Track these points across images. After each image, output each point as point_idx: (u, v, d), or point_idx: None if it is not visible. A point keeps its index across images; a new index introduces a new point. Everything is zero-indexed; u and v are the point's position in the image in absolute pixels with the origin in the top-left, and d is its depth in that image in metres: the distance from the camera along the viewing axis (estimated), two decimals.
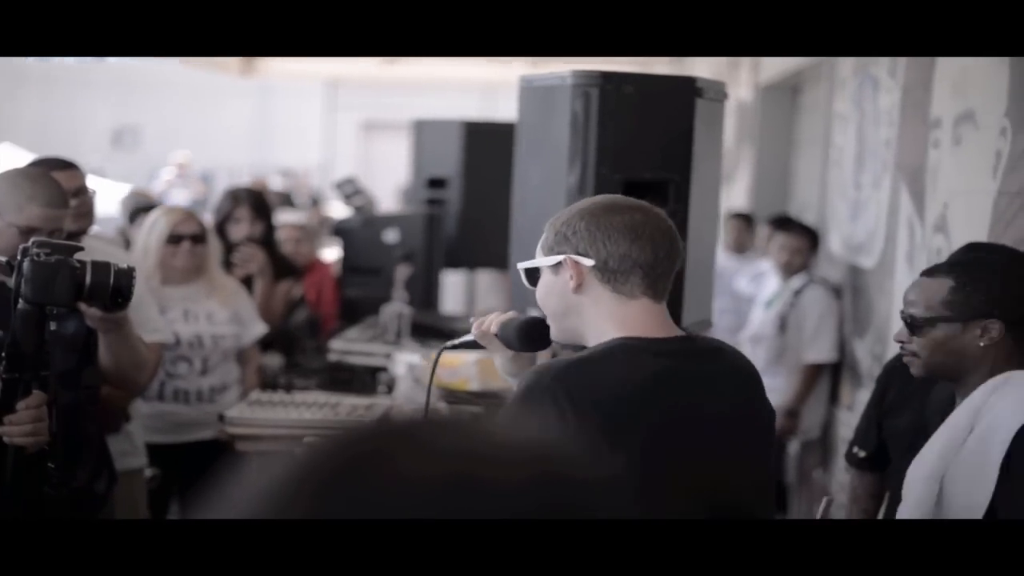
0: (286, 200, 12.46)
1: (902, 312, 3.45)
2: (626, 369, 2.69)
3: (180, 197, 18.14)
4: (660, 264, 2.79)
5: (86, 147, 25.80)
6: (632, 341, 2.73)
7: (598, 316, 2.79)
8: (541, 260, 2.85)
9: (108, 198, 11.94)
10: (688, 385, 2.73)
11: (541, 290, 2.87)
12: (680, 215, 4.10)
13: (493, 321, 3.08)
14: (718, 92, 4.39)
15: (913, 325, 3.39)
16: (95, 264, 3.32)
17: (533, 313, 3.10)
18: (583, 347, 2.87)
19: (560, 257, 2.79)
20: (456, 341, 3.25)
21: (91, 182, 5.37)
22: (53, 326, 3.26)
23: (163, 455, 5.64)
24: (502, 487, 0.95)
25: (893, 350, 5.02)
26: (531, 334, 3.02)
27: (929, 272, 3.46)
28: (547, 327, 2.94)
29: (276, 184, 18.39)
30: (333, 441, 1.02)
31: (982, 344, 3.30)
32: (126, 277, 3.37)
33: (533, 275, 2.91)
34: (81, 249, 3.40)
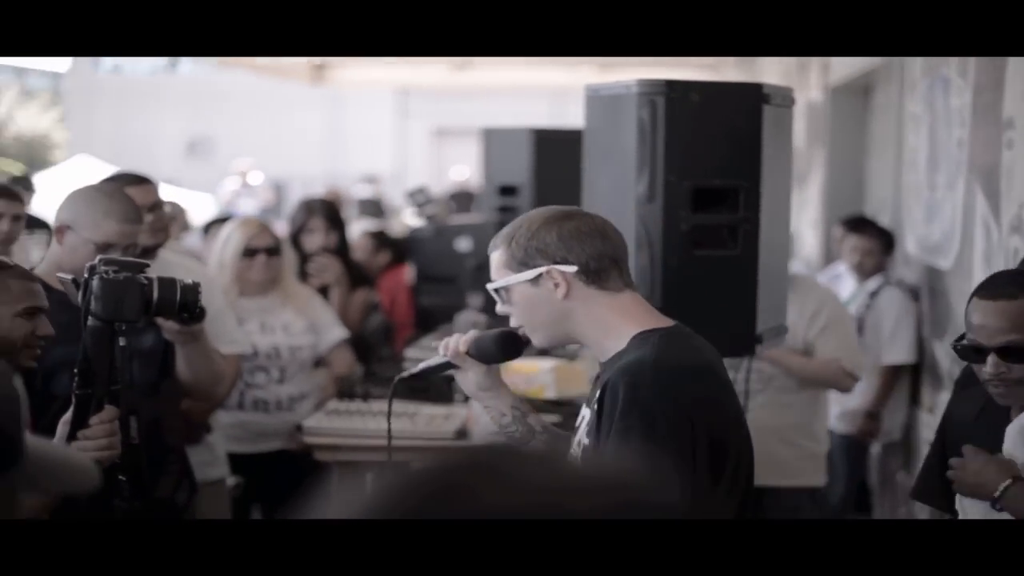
0: (374, 208, 12.43)
1: (981, 342, 3.29)
2: (694, 357, 2.94)
3: (248, 207, 18.15)
4: (624, 256, 3.04)
5: (160, 157, 26.08)
6: (666, 331, 2.95)
7: (597, 315, 2.96)
8: (516, 277, 2.97)
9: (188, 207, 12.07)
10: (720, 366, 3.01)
11: (522, 304, 2.99)
12: (751, 222, 4.09)
13: (461, 342, 3.17)
14: (785, 98, 4.38)
15: (1019, 352, 3.23)
16: (162, 280, 3.37)
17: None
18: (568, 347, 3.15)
19: (541, 269, 2.94)
20: (419, 368, 3.34)
21: (166, 194, 5.44)
22: (123, 342, 3.30)
23: (244, 464, 5.70)
24: (586, 517, 0.96)
25: None
26: (507, 344, 3.15)
27: (1003, 295, 3.29)
28: (519, 336, 3.10)
29: (362, 192, 18.33)
30: (418, 474, 1.03)
31: None
32: (192, 292, 3.42)
33: (501, 293, 3.03)
34: (147, 266, 3.45)
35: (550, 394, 5.56)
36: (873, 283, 7.60)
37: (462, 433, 5.38)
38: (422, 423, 5.45)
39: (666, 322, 2.99)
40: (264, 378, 5.81)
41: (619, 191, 4.25)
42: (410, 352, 6.49)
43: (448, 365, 3.22)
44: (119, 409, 3.29)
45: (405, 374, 3.35)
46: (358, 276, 7.11)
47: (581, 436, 3.01)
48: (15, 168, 15.29)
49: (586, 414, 3.05)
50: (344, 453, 5.56)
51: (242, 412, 5.77)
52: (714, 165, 4.13)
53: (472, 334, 3.20)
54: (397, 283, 8.26)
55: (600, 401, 2.86)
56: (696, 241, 4.06)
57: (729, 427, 2.89)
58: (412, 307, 8.08)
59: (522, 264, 2.95)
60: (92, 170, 17.09)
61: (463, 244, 7.57)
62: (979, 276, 5.78)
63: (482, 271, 7.36)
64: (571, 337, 3.03)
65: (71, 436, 3.23)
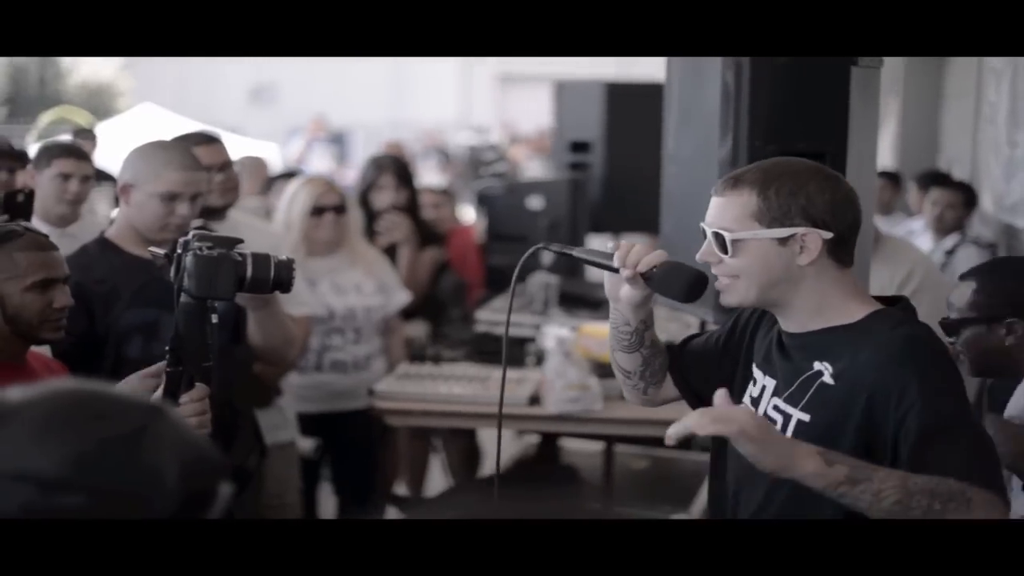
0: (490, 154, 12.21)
1: None
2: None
3: (319, 164, 17.91)
4: None
5: (224, 105, 26.07)
6: (897, 313, 2.81)
7: (823, 288, 2.76)
8: (766, 232, 2.72)
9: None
10: None
11: (753, 259, 2.75)
12: None
13: (643, 260, 2.88)
14: (874, 59, 4.26)
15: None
16: (255, 257, 3.28)
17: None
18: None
19: (798, 230, 2.71)
20: (583, 254, 3.06)
21: (232, 146, 5.39)
22: (215, 319, 3.23)
23: (317, 424, 5.68)
24: None
25: None
26: (696, 289, 2.86)
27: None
28: (706, 284, 2.85)
29: (470, 139, 18.04)
30: None
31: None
32: (286, 270, 3.33)
33: (726, 241, 2.76)
34: (241, 241, 3.37)
35: None
36: (950, 241, 7.45)
37: (535, 399, 5.31)
38: (494, 387, 5.38)
39: (878, 304, 2.83)
40: (340, 339, 5.77)
41: (702, 154, 4.16)
42: (481, 314, 6.42)
43: (612, 269, 2.94)
44: (210, 387, 3.22)
45: (558, 247, 3.10)
46: (428, 234, 7.04)
47: (767, 408, 2.85)
48: (82, 118, 15.24)
49: (767, 384, 2.89)
50: (415, 418, 5.52)
51: (320, 373, 5.74)
52: (800, 128, 4.02)
53: (657, 257, 2.88)
54: (466, 241, 8.18)
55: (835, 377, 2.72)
56: None
57: None
58: (482, 266, 8.01)
59: (775, 220, 2.71)
60: (157, 119, 17.09)
61: (535, 202, 7.47)
62: None
63: (554, 229, 7.34)
64: (778, 302, 2.80)
65: None
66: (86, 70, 28.72)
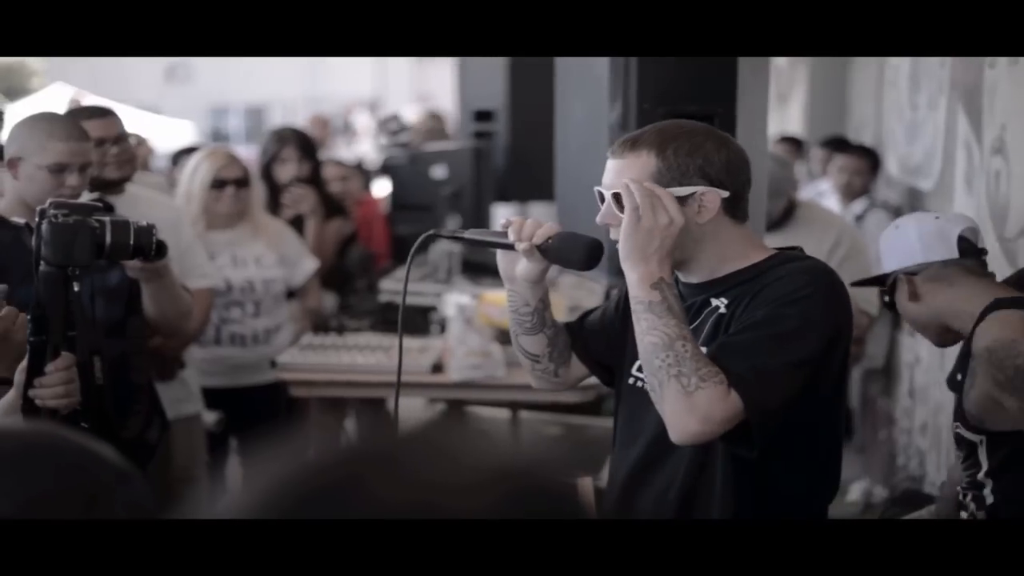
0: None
1: None
2: None
3: None
4: None
5: (139, 83, 25.83)
6: (797, 254, 2.89)
7: (722, 243, 2.81)
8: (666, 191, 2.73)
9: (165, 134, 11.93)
10: None
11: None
12: None
13: (536, 232, 2.88)
14: None
15: None
16: (114, 223, 3.28)
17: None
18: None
19: (696, 189, 2.74)
20: (474, 236, 3.02)
21: (138, 125, 5.33)
22: (76, 287, 3.22)
23: (223, 398, 5.65)
24: (463, 512, 0.97)
25: None
26: (594, 256, 2.86)
27: None
28: (603, 251, 2.86)
29: (411, 113, 17.95)
30: (310, 465, 1.04)
31: None
32: (146, 235, 3.33)
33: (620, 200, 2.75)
34: (99, 208, 3.36)
35: None
36: (859, 206, 7.50)
37: (438, 367, 5.31)
38: (397, 356, 5.37)
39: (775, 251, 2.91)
40: (239, 312, 5.74)
41: (592, 119, 4.17)
42: (385, 283, 6.41)
43: (507, 246, 2.93)
44: (76, 356, 3.19)
45: (449, 232, 3.04)
46: (333, 206, 7.01)
47: None
48: None
49: None
50: (319, 389, 5.51)
51: (219, 347, 5.71)
52: (689, 91, 4.03)
53: (551, 228, 2.88)
54: (372, 213, 8.16)
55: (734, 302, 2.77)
56: None
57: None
58: (388, 236, 7.99)
59: (675, 180, 2.73)
60: (68, 99, 16.90)
61: (438, 171, 7.47)
62: (960, 198, 5.70)
63: (458, 198, 7.33)
64: (680, 261, 2.80)
65: (27, 384, 3.14)
66: None
